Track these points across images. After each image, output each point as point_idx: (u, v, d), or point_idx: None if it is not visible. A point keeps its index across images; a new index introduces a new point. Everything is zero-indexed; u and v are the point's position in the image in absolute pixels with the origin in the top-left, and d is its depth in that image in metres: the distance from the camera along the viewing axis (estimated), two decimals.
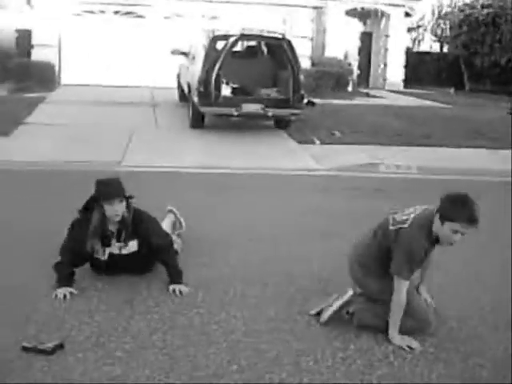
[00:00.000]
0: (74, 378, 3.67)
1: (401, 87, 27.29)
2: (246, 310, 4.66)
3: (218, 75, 12.89)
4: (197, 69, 13.39)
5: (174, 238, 5.66)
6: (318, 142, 12.83)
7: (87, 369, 3.76)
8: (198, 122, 13.62)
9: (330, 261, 5.75)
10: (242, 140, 13.09)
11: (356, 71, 26.10)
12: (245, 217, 7.38)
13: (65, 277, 4.96)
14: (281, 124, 14.28)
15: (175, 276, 5.07)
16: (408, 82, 27.81)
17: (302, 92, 13.52)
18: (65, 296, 4.78)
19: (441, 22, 36.55)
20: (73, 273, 5.04)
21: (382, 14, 27.31)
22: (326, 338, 4.29)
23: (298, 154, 11.90)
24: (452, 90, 29.39)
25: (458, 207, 4.00)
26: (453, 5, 34.84)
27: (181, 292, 4.93)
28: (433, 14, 36.85)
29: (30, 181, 9.14)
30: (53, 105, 16.57)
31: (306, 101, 14.53)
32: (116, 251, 5.10)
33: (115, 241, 5.09)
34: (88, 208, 5.03)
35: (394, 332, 4.25)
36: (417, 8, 29.59)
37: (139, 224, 5.10)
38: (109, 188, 4.96)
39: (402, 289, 4.17)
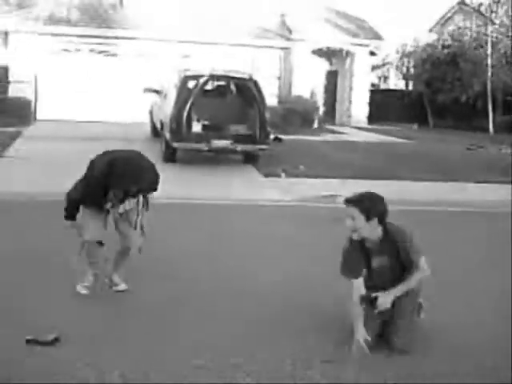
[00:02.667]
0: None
1: (365, 124, 28.20)
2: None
3: (189, 113, 13.66)
4: (169, 106, 14.15)
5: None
6: (283, 175, 13.57)
7: None
8: (170, 156, 14.34)
9: (292, 280, 6.47)
10: (212, 173, 13.80)
11: (322, 108, 27.03)
12: (206, 241, 8.07)
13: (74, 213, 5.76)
14: (249, 159, 14.96)
15: None
16: (372, 118, 28.67)
17: (269, 129, 14.34)
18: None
19: (405, 60, 37.69)
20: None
21: (347, 53, 28.34)
22: None
23: (264, 187, 12.64)
24: (415, 126, 30.36)
25: None
26: (416, 44, 36.03)
27: None
28: (397, 52, 37.94)
29: (5, 211, 9.39)
30: (29, 139, 17.08)
31: (272, 137, 15.30)
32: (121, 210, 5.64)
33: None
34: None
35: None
36: (381, 46, 30.68)
37: None
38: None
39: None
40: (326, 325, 5.27)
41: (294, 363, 4.54)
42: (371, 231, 4.76)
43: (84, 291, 5.90)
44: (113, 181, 5.36)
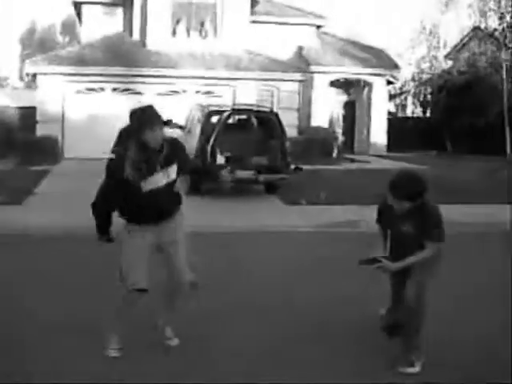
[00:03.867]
0: None
1: (384, 152, 28.56)
2: None
3: (213, 146, 14.20)
4: (193, 140, 14.68)
5: None
6: (304, 202, 14.00)
7: None
8: (195, 188, 14.84)
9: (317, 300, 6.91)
10: (236, 203, 14.28)
11: (341, 138, 27.45)
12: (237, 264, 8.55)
13: (105, 224, 5.17)
14: (271, 188, 15.48)
15: None
16: (391, 146, 29.01)
17: (289, 159, 14.83)
18: (109, 239, 5.19)
19: (422, 88, 38.13)
20: (110, 220, 5.21)
21: (365, 83, 28.87)
22: None
23: (285, 214, 13.10)
24: (434, 153, 30.68)
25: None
26: (432, 71, 36.48)
27: None
28: (413, 80, 38.36)
29: (44, 244, 9.92)
30: (58, 176, 17.75)
31: (293, 167, 15.72)
32: (157, 184, 5.01)
33: (159, 167, 5.02)
34: (119, 144, 5.28)
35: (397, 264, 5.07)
36: (398, 75, 31.16)
37: (175, 150, 5.16)
38: (150, 115, 4.95)
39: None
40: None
41: None
42: (402, 207, 5.04)
43: (116, 353, 5.21)
44: (127, 138, 5.06)
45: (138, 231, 5.07)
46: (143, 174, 4.91)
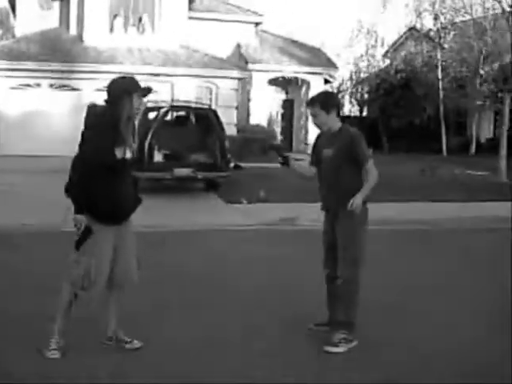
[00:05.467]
0: None
1: None
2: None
3: (150, 143, 14.07)
4: None
5: None
6: (245, 201, 14.00)
7: None
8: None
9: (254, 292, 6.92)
10: (175, 201, 14.21)
11: (279, 136, 27.59)
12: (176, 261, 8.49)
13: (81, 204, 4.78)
14: (211, 186, 15.46)
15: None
16: None
17: (229, 156, 14.82)
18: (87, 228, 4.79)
19: (359, 86, 38.56)
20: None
21: (303, 81, 29.04)
22: None
23: (226, 212, 13.10)
24: (370, 151, 31.04)
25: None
26: (369, 70, 36.93)
27: None
28: (351, 79, 38.76)
29: None
30: None
31: (233, 164, 15.76)
32: (125, 155, 4.90)
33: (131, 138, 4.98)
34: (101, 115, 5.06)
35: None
36: (336, 74, 31.45)
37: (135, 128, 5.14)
38: (136, 81, 5.00)
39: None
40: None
41: None
42: (332, 122, 5.44)
43: (57, 355, 4.97)
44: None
45: (103, 231, 4.87)
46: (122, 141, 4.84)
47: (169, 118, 16.12)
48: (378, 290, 6.82)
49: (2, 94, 22.58)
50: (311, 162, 5.72)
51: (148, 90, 5.05)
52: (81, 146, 4.91)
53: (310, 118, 5.61)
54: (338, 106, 5.63)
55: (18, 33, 26.19)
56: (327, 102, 5.47)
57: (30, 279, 7.26)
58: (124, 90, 4.88)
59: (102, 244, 4.87)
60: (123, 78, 5.08)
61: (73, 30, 24.97)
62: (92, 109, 5.21)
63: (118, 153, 4.80)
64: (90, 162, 4.75)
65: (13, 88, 22.77)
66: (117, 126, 4.84)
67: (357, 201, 5.10)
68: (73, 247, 4.93)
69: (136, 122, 5.21)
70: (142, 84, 4.98)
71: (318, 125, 5.52)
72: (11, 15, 32.10)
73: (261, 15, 29.35)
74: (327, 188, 5.49)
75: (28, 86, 23.02)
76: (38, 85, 23.12)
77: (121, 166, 4.87)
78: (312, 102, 5.50)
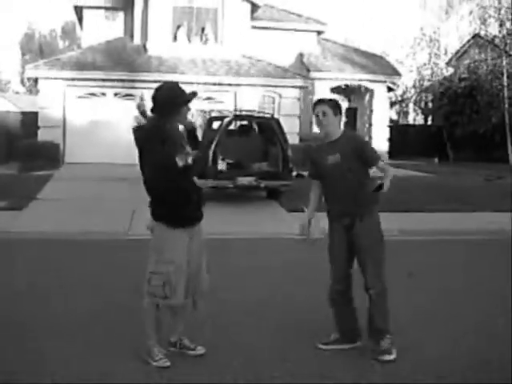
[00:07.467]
0: None
1: (386, 159, 28.38)
2: None
3: (214, 152, 14.15)
4: None
5: None
6: (306, 210, 13.88)
7: None
8: None
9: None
10: (238, 210, 14.24)
11: None
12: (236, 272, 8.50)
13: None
14: (272, 195, 15.44)
15: None
16: (393, 153, 28.89)
17: (291, 165, 14.78)
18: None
19: (423, 95, 38.10)
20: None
21: (366, 89, 28.84)
22: None
23: (287, 220, 13.02)
24: (436, 160, 30.68)
25: None
26: (433, 78, 36.44)
27: None
28: (414, 87, 38.34)
29: (43, 249, 9.96)
30: (59, 181, 17.68)
31: (295, 173, 15.70)
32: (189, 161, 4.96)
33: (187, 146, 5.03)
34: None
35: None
36: (399, 82, 31.16)
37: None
38: (181, 88, 5.02)
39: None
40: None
41: None
42: (335, 127, 5.46)
43: (167, 363, 4.98)
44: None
45: (178, 237, 4.92)
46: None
47: (232, 127, 16.21)
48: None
49: (70, 104, 23.01)
50: (311, 175, 5.77)
51: (193, 95, 5.03)
52: (142, 168, 5.03)
53: (314, 119, 5.55)
54: (341, 115, 5.62)
55: (84, 43, 26.74)
56: (336, 105, 5.53)
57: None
58: (170, 99, 4.91)
59: (179, 251, 4.88)
60: (169, 85, 5.07)
61: (137, 40, 25.33)
62: (137, 132, 5.10)
63: (180, 161, 4.82)
64: (157, 177, 4.87)
65: (80, 97, 23.19)
66: (169, 136, 4.87)
67: (387, 183, 5.17)
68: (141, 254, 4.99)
69: (200, 132, 5.25)
70: (203, 93, 5.01)
71: (321, 125, 5.47)
72: (78, 27, 32.74)
73: (323, 24, 29.24)
74: (338, 195, 5.49)
75: (94, 95, 23.42)
76: (104, 94, 23.49)
77: (187, 171, 4.91)
78: (322, 101, 5.55)
